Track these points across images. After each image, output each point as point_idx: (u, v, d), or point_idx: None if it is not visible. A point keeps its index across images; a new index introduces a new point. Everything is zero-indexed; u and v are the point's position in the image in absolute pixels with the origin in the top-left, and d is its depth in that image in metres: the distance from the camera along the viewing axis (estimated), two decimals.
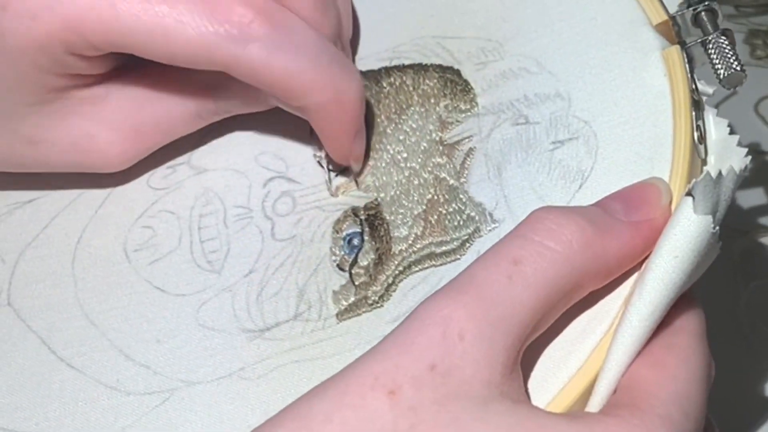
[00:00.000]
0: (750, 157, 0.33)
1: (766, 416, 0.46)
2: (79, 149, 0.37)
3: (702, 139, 0.34)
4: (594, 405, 0.30)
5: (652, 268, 0.30)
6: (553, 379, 0.31)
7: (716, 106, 0.55)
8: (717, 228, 0.30)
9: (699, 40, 0.36)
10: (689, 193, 0.30)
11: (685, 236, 0.29)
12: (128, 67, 0.37)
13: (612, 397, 0.30)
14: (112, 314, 0.36)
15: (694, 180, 0.30)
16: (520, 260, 0.29)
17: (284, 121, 0.39)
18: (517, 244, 0.30)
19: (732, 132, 0.34)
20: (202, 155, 0.39)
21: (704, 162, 0.34)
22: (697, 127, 0.34)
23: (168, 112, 0.38)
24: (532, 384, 0.31)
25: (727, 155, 0.34)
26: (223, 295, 0.36)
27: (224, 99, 0.38)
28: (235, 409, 0.34)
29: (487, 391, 0.28)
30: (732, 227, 0.51)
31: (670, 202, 0.32)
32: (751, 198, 0.52)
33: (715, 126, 0.35)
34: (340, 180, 0.38)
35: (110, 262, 0.38)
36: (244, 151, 0.39)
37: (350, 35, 0.39)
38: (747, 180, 0.52)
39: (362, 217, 0.37)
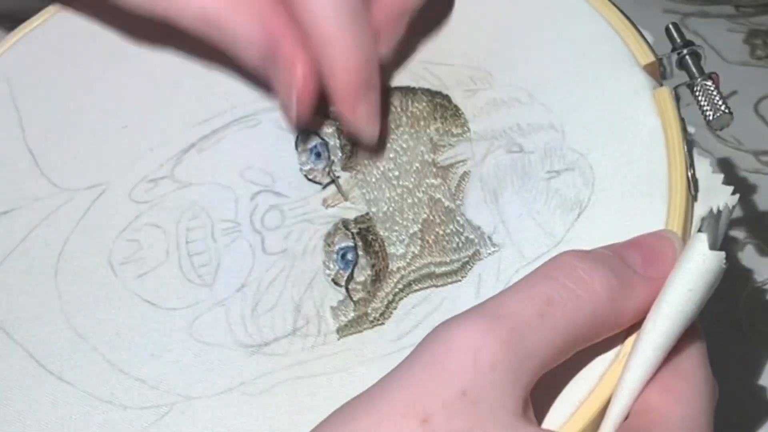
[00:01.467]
0: (738, 195, 0.34)
1: (766, 416, 0.46)
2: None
3: (694, 177, 0.35)
4: (606, 430, 0.31)
5: (667, 300, 0.31)
6: (562, 406, 0.32)
7: None
8: (726, 265, 0.31)
9: (686, 84, 0.37)
10: (701, 229, 0.31)
11: (699, 271, 0.30)
12: None
13: (624, 423, 0.31)
14: (102, 327, 0.36)
15: (702, 217, 0.31)
16: (552, 302, 0.30)
17: (268, 136, 0.39)
18: (549, 285, 0.30)
19: (714, 171, 0.36)
20: (184, 169, 0.39)
21: (695, 198, 0.35)
22: (691, 164, 0.35)
23: None
24: (540, 411, 0.31)
25: (713, 193, 0.35)
26: (217, 310, 0.36)
27: None
28: (239, 425, 0.34)
29: (514, 420, 0.29)
30: (732, 227, 0.51)
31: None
32: (751, 197, 0.52)
33: (699, 163, 0.36)
34: (327, 192, 0.38)
35: (96, 275, 0.37)
36: (229, 166, 0.39)
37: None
38: (746, 179, 0.52)
39: (354, 231, 0.37)
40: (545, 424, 0.31)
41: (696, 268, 0.31)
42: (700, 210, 0.35)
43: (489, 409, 0.28)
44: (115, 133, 0.41)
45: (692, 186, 0.35)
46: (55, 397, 0.35)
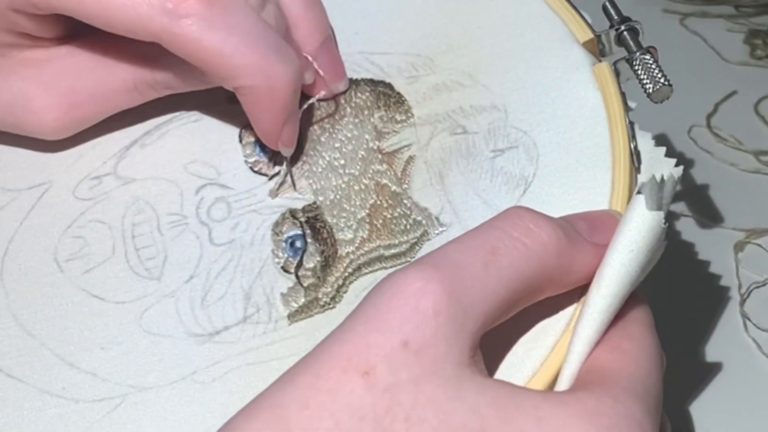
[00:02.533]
0: (682, 167, 0.34)
1: (766, 416, 0.46)
2: (16, 108, 0.38)
3: (636, 149, 0.36)
4: (560, 389, 0.31)
5: (609, 263, 0.31)
6: (518, 374, 0.32)
7: (716, 106, 0.55)
8: (666, 224, 0.31)
9: (625, 58, 0.38)
10: (639, 191, 0.31)
11: (639, 231, 0.31)
12: (75, 34, 0.38)
13: (575, 381, 0.31)
14: (50, 324, 0.36)
15: (641, 181, 0.31)
16: (497, 251, 0.29)
17: (212, 130, 0.39)
18: (495, 234, 0.30)
19: (657, 144, 0.36)
20: (127, 165, 0.39)
21: (638, 170, 0.36)
22: (633, 137, 0.36)
23: (105, 81, 0.38)
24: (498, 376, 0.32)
25: (656, 166, 0.35)
26: (166, 301, 0.36)
27: (162, 72, 0.38)
28: (192, 413, 0.34)
29: (461, 370, 0.28)
30: (732, 227, 0.51)
31: None
32: (751, 198, 0.52)
33: (640, 138, 0.36)
34: (274, 183, 0.38)
35: (41, 272, 0.37)
36: (172, 161, 0.39)
37: (316, 33, 0.39)
38: (747, 180, 0.52)
39: (302, 220, 0.37)
40: None
41: (636, 228, 0.31)
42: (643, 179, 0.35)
43: (433, 359, 0.28)
44: None
45: (635, 158, 0.35)
46: (5, 393, 0.35)
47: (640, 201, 0.31)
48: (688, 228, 0.51)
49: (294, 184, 0.38)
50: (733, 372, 0.47)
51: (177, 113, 0.40)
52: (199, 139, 0.39)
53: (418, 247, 0.36)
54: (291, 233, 0.37)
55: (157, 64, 0.38)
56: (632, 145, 0.35)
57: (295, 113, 0.37)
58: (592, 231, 0.32)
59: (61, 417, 0.34)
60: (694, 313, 0.48)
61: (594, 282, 0.31)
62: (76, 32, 0.38)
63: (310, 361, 0.28)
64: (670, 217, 0.33)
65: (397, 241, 0.36)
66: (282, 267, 0.36)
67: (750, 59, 0.58)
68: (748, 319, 0.48)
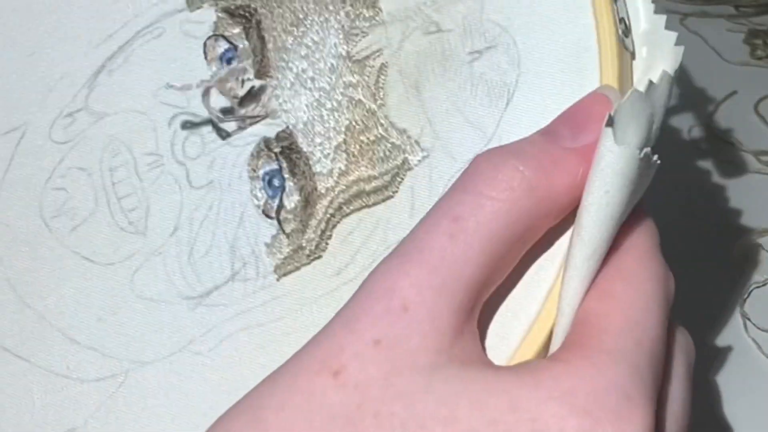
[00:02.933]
0: (683, 47, 0.31)
1: (766, 416, 0.46)
2: None
3: (627, 31, 0.32)
4: (554, 348, 0.29)
5: (586, 207, 0.29)
6: (515, 329, 0.30)
7: (716, 106, 0.55)
8: (646, 150, 0.29)
9: None
10: (609, 123, 0.28)
11: (612, 170, 0.28)
12: None
13: (567, 336, 0.29)
14: (46, 293, 0.35)
15: (617, 102, 0.28)
16: (460, 216, 0.28)
17: (177, 47, 0.37)
18: (456, 198, 0.29)
19: (656, 12, 0.32)
20: (98, 97, 0.38)
21: (633, 56, 0.33)
22: (621, 19, 0.32)
23: None
24: (493, 338, 0.30)
25: (658, 43, 0.32)
26: (154, 260, 0.35)
27: None
28: (195, 387, 0.33)
29: (435, 359, 0.27)
30: (732, 227, 0.51)
31: None
32: (751, 197, 0.52)
33: (644, 13, 0.33)
34: (245, 108, 0.36)
35: (31, 234, 0.36)
36: (141, 88, 0.37)
37: None
38: (746, 179, 0.52)
39: (276, 151, 0.35)
40: (497, 353, 0.30)
41: (608, 167, 0.28)
42: (641, 68, 0.32)
43: (405, 353, 0.27)
44: (23, 64, 0.39)
45: (628, 43, 0.32)
46: (13, 375, 0.34)
47: (607, 136, 0.28)
48: (688, 228, 0.51)
49: (265, 106, 0.36)
50: (733, 372, 0.47)
51: (138, 29, 0.38)
52: (164, 59, 0.37)
53: (399, 179, 0.34)
54: (267, 168, 0.35)
55: None
56: (620, 30, 0.32)
57: None
58: (576, 133, 0.30)
59: (69, 399, 0.34)
60: (694, 313, 0.48)
61: (574, 228, 0.29)
62: None
63: (292, 361, 0.28)
64: (669, 128, 0.30)
65: (377, 172, 0.34)
66: (263, 211, 0.35)
67: (750, 59, 0.58)
68: (748, 319, 0.48)
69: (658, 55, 0.32)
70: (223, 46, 0.37)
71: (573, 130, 0.30)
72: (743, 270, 0.49)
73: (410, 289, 0.28)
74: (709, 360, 0.47)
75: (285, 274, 0.34)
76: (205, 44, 0.37)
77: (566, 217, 0.30)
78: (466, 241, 0.28)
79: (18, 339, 0.35)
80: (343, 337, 0.28)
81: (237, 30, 0.37)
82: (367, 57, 0.35)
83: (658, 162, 0.29)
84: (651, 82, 0.29)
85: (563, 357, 0.28)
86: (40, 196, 0.37)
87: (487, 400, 0.27)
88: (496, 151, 0.29)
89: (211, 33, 0.36)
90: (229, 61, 0.37)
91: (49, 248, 0.36)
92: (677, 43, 0.31)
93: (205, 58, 0.37)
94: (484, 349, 0.30)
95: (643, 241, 0.30)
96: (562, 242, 0.30)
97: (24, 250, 0.36)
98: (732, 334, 0.47)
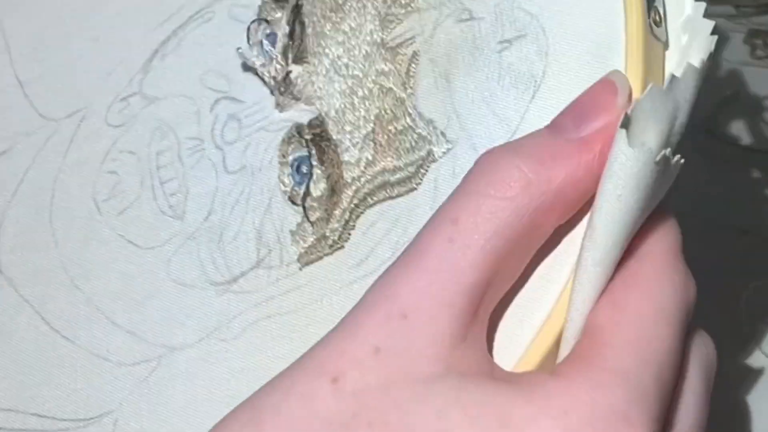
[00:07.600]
0: (716, 36, 0.30)
1: (766, 416, 0.46)
2: None
3: (661, 20, 0.31)
4: (562, 357, 0.29)
5: (598, 209, 0.27)
6: (522, 333, 0.29)
7: (716, 106, 0.55)
8: (665, 152, 0.27)
9: None
10: (624, 124, 0.27)
11: (625, 173, 0.27)
12: None
13: (575, 346, 0.28)
14: (94, 275, 0.36)
15: (635, 101, 0.28)
16: (458, 218, 0.28)
17: (223, 31, 0.38)
18: (455, 200, 0.28)
19: None
20: (151, 81, 0.38)
21: (666, 46, 0.31)
22: (653, 8, 0.31)
23: None
24: (501, 341, 0.29)
25: (696, 31, 0.31)
26: (189, 245, 0.36)
27: None
28: (220, 374, 0.33)
29: (433, 368, 0.27)
30: (732, 227, 0.51)
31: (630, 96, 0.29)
32: (751, 197, 0.52)
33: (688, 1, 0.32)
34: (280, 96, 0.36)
35: (84, 217, 0.37)
36: (190, 72, 0.38)
37: None
38: (746, 179, 0.52)
39: (307, 137, 0.35)
40: (503, 358, 0.29)
41: (620, 170, 0.27)
42: (675, 59, 0.31)
43: (404, 362, 0.27)
44: (87, 49, 0.39)
45: (661, 32, 0.31)
46: (62, 357, 0.35)
47: (621, 137, 0.27)
48: (687, 228, 0.51)
49: (298, 94, 0.36)
50: (732, 372, 0.47)
51: (191, 14, 0.38)
52: (211, 43, 0.38)
53: (423, 170, 0.33)
54: (296, 155, 0.35)
55: None
56: (651, 19, 0.31)
57: None
58: (578, 123, 0.29)
59: (108, 382, 0.34)
60: (694, 313, 0.48)
61: (586, 230, 0.28)
62: None
63: (294, 365, 0.28)
64: (693, 130, 0.30)
65: (402, 163, 0.34)
66: (289, 198, 0.35)
67: (750, 59, 0.58)
68: (749, 320, 0.48)
69: (693, 45, 0.31)
70: (263, 29, 0.37)
71: (576, 120, 0.29)
72: (743, 270, 0.49)
73: (409, 295, 0.27)
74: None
75: (308, 263, 0.34)
76: (248, 28, 0.37)
77: (578, 216, 0.29)
78: (465, 244, 0.27)
79: (66, 321, 0.35)
80: (344, 343, 0.28)
81: (279, 14, 0.37)
82: (400, 44, 0.35)
83: (682, 161, 0.28)
84: (673, 77, 0.28)
85: (564, 372, 0.27)
86: (94, 178, 0.38)
87: (480, 413, 0.26)
88: (498, 148, 0.29)
89: (255, 17, 0.37)
90: (272, 45, 0.37)
91: (98, 231, 0.37)
92: (713, 33, 0.30)
93: (248, 42, 0.37)
94: (491, 352, 0.29)
95: (662, 247, 0.29)
96: (575, 243, 0.29)
97: (77, 233, 0.37)
98: (732, 334, 0.47)
